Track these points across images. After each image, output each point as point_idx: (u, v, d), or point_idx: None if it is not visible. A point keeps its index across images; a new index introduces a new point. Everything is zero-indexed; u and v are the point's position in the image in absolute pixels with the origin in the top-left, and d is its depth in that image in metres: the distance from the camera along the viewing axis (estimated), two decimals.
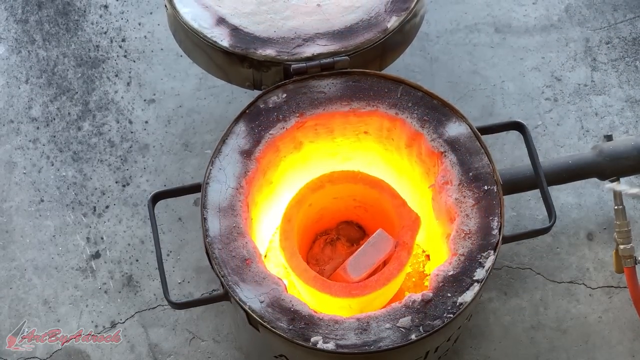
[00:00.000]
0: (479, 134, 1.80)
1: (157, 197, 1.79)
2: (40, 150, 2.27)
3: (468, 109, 2.26)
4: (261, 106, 1.84)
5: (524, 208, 2.19)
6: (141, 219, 2.19)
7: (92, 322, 2.09)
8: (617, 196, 2.01)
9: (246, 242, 1.71)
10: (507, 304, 2.10)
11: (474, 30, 2.41)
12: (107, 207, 2.21)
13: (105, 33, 2.41)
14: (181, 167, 2.25)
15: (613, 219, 2.05)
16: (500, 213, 1.73)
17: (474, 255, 1.69)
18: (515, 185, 1.96)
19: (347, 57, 1.89)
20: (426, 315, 1.64)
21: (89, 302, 2.11)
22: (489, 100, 2.32)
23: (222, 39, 1.90)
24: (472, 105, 2.31)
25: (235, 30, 1.91)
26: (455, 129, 1.81)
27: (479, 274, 1.68)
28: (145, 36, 2.41)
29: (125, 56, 2.38)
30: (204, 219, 1.73)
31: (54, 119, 2.31)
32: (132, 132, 2.29)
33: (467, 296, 1.66)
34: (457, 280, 1.67)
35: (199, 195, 1.75)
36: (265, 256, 2.06)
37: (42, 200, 2.22)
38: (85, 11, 2.44)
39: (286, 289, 1.68)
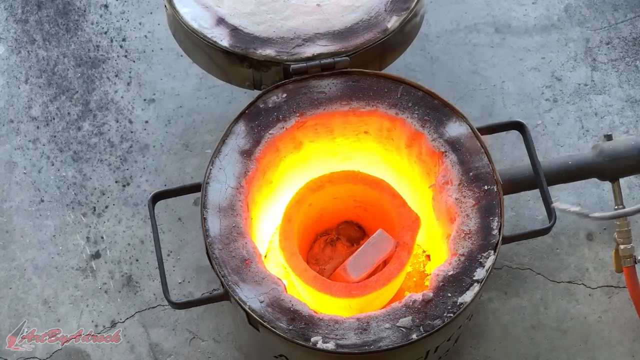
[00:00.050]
0: (479, 134, 1.80)
1: (157, 197, 1.79)
2: (40, 150, 2.27)
3: (468, 109, 2.26)
4: (261, 106, 1.84)
5: (523, 208, 2.19)
6: (141, 219, 2.19)
7: (92, 322, 2.09)
8: (617, 196, 2.01)
9: (246, 242, 1.71)
10: (507, 303, 2.10)
11: (474, 30, 2.41)
12: (107, 207, 2.21)
13: (105, 33, 2.41)
14: (181, 167, 2.25)
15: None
16: (500, 213, 1.73)
17: (474, 255, 1.69)
18: (515, 185, 1.96)
19: (347, 57, 1.89)
20: (426, 315, 1.64)
21: (89, 302, 2.11)
22: (489, 100, 2.32)
23: (222, 39, 1.90)
24: (472, 105, 2.31)
25: (235, 30, 1.91)
26: (455, 129, 1.81)
27: (479, 274, 1.68)
28: (145, 36, 2.41)
29: (125, 56, 2.38)
30: (204, 219, 1.73)
31: (54, 119, 2.31)
32: (132, 132, 2.29)
33: (468, 296, 1.66)
34: (457, 280, 1.67)
35: (199, 195, 1.75)
36: (265, 256, 2.06)
37: (42, 200, 2.22)
38: (85, 11, 2.44)
39: (286, 289, 1.68)
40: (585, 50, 2.39)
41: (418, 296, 1.66)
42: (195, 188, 1.78)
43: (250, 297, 1.66)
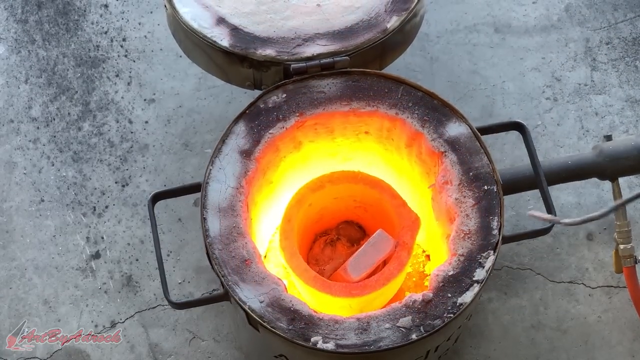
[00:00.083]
0: (479, 134, 1.80)
1: (157, 197, 1.79)
2: (41, 150, 2.27)
3: (468, 109, 2.26)
4: (261, 106, 1.84)
5: (523, 208, 2.19)
6: (141, 219, 2.19)
7: (92, 322, 2.09)
8: (617, 196, 2.01)
9: (246, 243, 1.71)
10: (507, 303, 2.10)
11: (474, 30, 2.41)
12: (106, 207, 2.21)
13: (105, 33, 2.41)
14: (181, 167, 2.25)
15: (613, 219, 2.05)
16: (500, 213, 1.73)
17: (473, 255, 1.69)
18: (515, 185, 1.96)
19: (347, 57, 1.88)
20: (426, 315, 1.64)
21: (89, 302, 2.11)
22: (489, 100, 2.32)
23: (222, 38, 1.90)
24: (472, 105, 2.31)
25: (235, 30, 1.91)
26: (455, 129, 1.81)
27: (479, 274, 1.68)
28: (145, 36, 2.41)
29: (125, 56, 2.38)
30: (204, 219, 1.73)
31: (54, 119, 2.31)
32: (132, 132, 2.29)
33: (467, 296, 1.66)
34: (457, 280, 1.67)
35: (198, 195, 1.75)
36: (265, 256, 2.06)
37: (42, 200, 2.22)
38: (85, 11, 2.44)
39: (286, 289, 1.68)
40: (585, 50, 2.39)
41: (418, 296, 1.66)
42: (195, 188, 1.78)
43: (250, 297, 1.66)
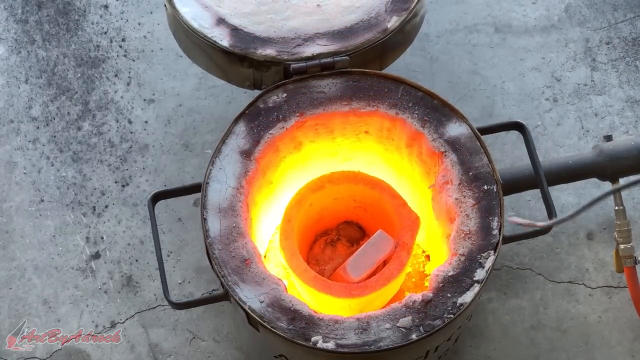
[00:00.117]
0: (479, 134, 1.80)
1: (157, 197, 1.79)
2: (40, 151, 2.27)
3: (468, 109, 2.26)
4: (261, 106, 1.84)
5: (524, 208, 2.19)
6: (141, 219, 2.19)
7: (92, 322, 2.09)
8: (617, 196, 2.01)
9: (246, 243, 1.71)
10: (507, 303, 2.10)
11: (474, 31, 2.41)
12: (106, 207, 2.21)
13: (105, 33, 2.41)
14: (181, 167, 2.25)
15: (613, 218, 2.05)
16: (500, 213, 1.73)
17: (474, 255, 1.69)
18: (515, 185, 1.96)
19: (347, 57, 1.88)
20: (426, 315, 1.64)
21: (89, 302, 2.11)
22: (489, 101, 2.32)
23: (222, 38, 1.90)
24: (472, 106, 2.31)
25: (235, 30, 1.91)
26: (455, 129, 1.81)
27: (479, 274, 1.67)
28: (145, 36, 2.41)
29: (125, 56, 2.38)
30: (204, 219, 1.73)
31: (54, 119, 2.31)
32: (131, 132, 2.29)
33: (467, 297, 1.66)
34: (457, 280, 1.67)
35: (199, 195, 1.75)
36: (265, 256, 2.06)
37: (42, 200, 2.22)
38: (85, 11, 2.44)
39: (286, 289, 1.68)
40: (585, 50, 2.39)
41: (418, 296, 1.66)
42: (195, 188, 1.78)
43: (250, 297, 1.66)
